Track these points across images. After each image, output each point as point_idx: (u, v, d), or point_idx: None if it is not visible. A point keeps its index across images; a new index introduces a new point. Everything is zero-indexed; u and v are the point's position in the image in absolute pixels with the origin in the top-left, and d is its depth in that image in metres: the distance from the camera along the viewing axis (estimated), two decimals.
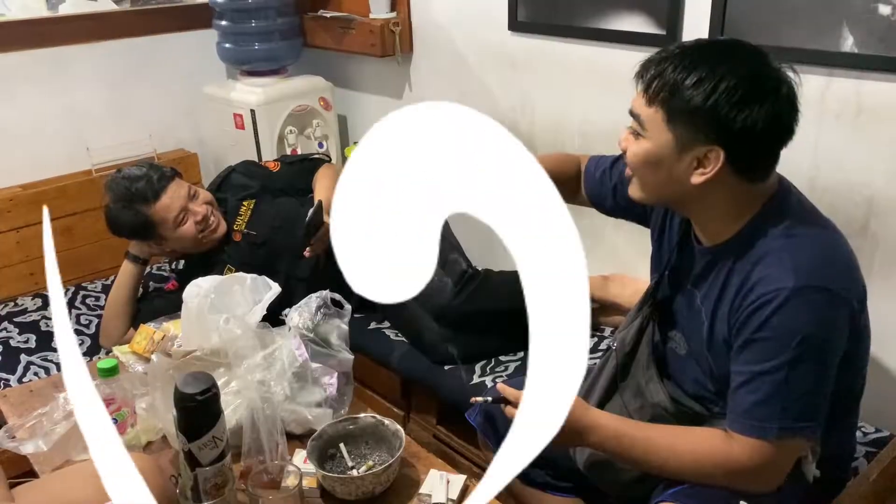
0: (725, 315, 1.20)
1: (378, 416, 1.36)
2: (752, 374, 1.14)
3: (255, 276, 1.60)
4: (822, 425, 1.18)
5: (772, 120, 1.11)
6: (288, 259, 2.14)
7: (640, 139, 1.20)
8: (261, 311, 1.56)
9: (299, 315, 1.50)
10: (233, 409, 1.35)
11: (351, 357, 1.51)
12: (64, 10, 2.67)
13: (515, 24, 2.19)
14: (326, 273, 2.19)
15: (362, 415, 1.38)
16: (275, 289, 1.59)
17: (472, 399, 1.36)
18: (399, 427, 1.34)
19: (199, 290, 1.54)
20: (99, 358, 2.11)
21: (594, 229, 2.21)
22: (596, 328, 2.08)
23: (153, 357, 1.35)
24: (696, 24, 1.80)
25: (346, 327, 1.54)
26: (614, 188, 1.52)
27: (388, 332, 2.20)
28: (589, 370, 1.50)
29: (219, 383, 1.37)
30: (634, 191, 1.27)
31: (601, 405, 1.38)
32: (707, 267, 1.25)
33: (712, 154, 1.14)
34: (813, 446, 1.22)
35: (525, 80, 2.24)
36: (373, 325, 2.23)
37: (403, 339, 2.15)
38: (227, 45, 2.68)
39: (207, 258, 2.15)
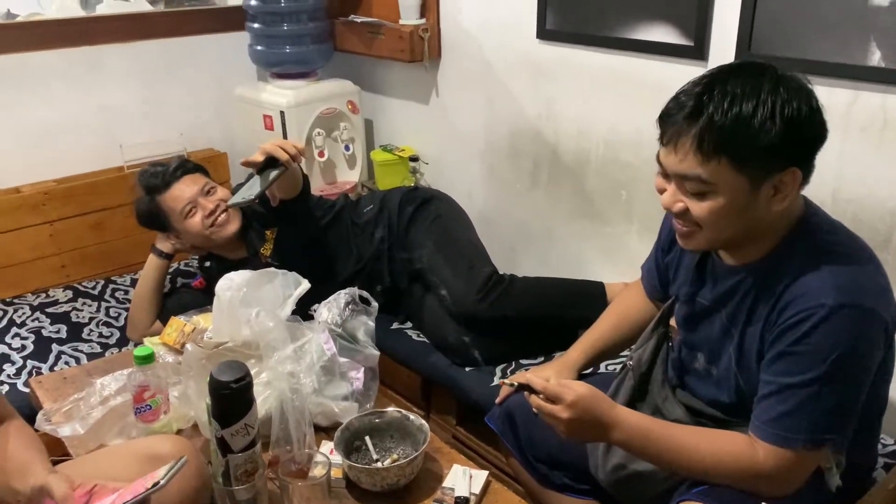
0: (758, 333, 1.20)
1: (403, 411, 1.39)
2: (783, 386, 1.14)
3: (285, 271, 1.64)
4: (848, 438, 1.19)
5: (823, 124, 1.12)
6: (311, 281, 2.17)
7: (707, 197, 1.13)
8: (291, 304, 1.59)
9: (328, 310, 1.54)
10: (263, 399, 1.39)
11: (377, 353, 1.54)
12: (100, 10, 2.75)
13: (544, 33, 2.22)
14: (353, 281, 2.22)
15: (389, 409, 1.41)
16: (304, 284, 1.62)
17: (500, 381, 1.39)
18: (424, 422, 1.37)
19: (231, 283, 1.58)
20: (128, 349, 2.16)
21: (616, 237, 2.24)
22: None
23: (187, 346, 1.39)
24: (723, 36, 1.82)
25: (372, 324, 1.57)
26: (661, 277, 1.52)
27: (409, 332, 2.24)
28: (606, 387, 1.49)
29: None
30: (699, 243, 1.22)
31: None
32: (734, 286, 1.25)
33: (788, 176, 1.11)
34: (838, 457, 1.23)
35: (551, 88, 2.27)
36: (395, 326, 2.27)
37: (425, 339, 2.18)
38: (259, 48, 2.73)
39: (237, 266, 2.18)
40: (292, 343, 1.42)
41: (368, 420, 1.40)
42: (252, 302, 1.61)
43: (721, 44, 1.83)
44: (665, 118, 1.15)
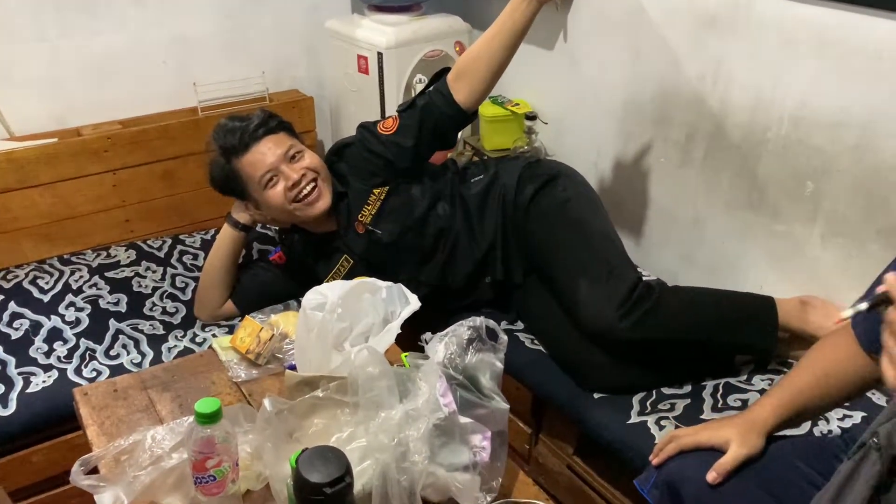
0: None
1: None
2: None
3: (390, 284, 1.28)
4: None
5: None
6: (411, 263, 1.81)
7: None
8: (395, 330, 1.24)
9: (445, 347, 1.16)
10: (360, 469, 1.05)
11: (506, 407, 1.18)
12: None
13: None
14: (455, 279, 1.85)
15: (528, 500, 1.05)
16: (413, 303, 1.26)
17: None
18: None
19: (323, 300, 1.22)
20: (195, 335, 1.86)
21: (792, 239, 1.78)
22: (784, 362, 1.69)
23: (265, 402, 1.04)
24: None
25: (501, 366, 1.20)
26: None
27: (522, 336, 1.87)
28: (818, 455, 1.13)
29: (344, 435, 1.07)
30: None
31: None
32: None
33: None
34: None
35: (723, 45, 1.79)
36: (504, 325, 1.89)
37: (541, 348, 1.81)
38: None
39: (325, 242, 1.84)
40: (402, 402, 1.06)
41: None
42: (346, 316, 1.26)
43: None
44: None
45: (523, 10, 1.71)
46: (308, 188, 1.72)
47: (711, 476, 1.15)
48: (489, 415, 1.15)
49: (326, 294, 1.22)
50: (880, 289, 0.90)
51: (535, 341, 1.84)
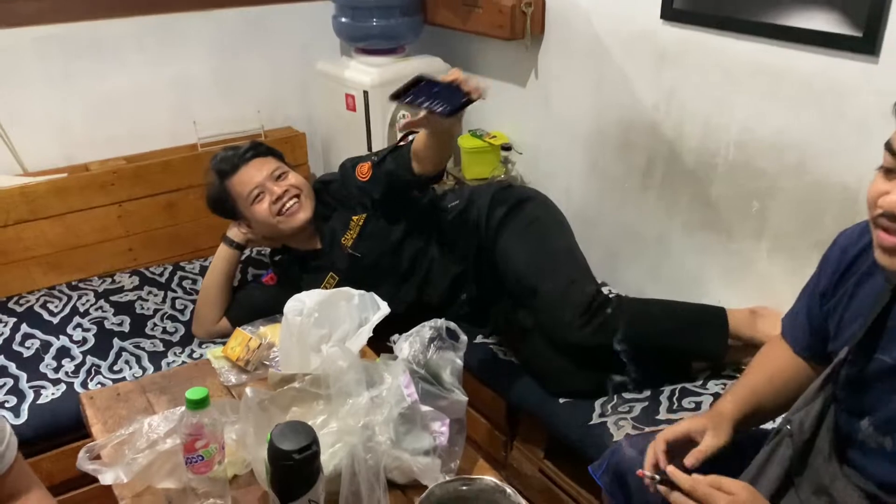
0: None
1: (499, 482, 1.16)
2: None
3: (362, 292, 1.43)
4: None
5: None
6: (391, 282, 1.96)
7: None
8: (367, 333, 1.39)
9: (410, 346, 1.31)
10: (331, 452, 1.18)
11: (465, 399, 1.31)
12: None
13: (670, 13, 1.91)
14: (432, 296, 2.00)
15: (481, 477, 1.18)
16: (384, 309, 1.41)
17: (639, 472, 1.14)
18: (522, 500, 1.14)
19: (301, 306, 1.37)
20: (192, 351, 2.01)
21: (743, 255, 1.93)
22: (738, 369, 1.82)
23: (247, 391, 1.19)
24: None
25: (460, 363, 1.34)
26: (817, 329, 1.24)
27: (495, 348, 2.00)
28: (749, 454, 1.24)
29: (317, 421, 1.21)
30: None
31: (773, 502, 1.13)
32: None
33: None
34: None
35: (675, 77, 1.96)
36: (479, 339, 2.04)
37: (513, 359, 1.94)
38: (344, 20, 2.49)
39: (310, 258, 1.99)
40: (368, 390, 1.20)
41: (454, 488, 1.17)
42: (324, 323, 1.41)
43: None
44: None
45: (434, 126, 1.67)
46: (290, 203, 1.89)
47: (690, 461, 1.18)
48: (449, 405, 1.29)
49: (304, 300, 1.37)
50: (669, 469, 1.08)
51: (507, 353, 1.97)
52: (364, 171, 1.95)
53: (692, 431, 1.20)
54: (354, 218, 1.95)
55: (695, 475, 1.06)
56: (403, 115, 2.49)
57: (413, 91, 1.50)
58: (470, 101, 1.54)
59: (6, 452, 0.96)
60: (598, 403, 1.75)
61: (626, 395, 1.77)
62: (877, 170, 1.00)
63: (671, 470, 1.05)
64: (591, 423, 1.70)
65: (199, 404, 1.13)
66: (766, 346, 1.39)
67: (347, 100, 2.50)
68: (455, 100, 1.54)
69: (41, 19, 2.23)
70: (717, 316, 1.79)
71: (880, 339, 1.07)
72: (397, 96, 1.50)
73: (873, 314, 1.08)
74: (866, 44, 1.54)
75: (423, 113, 1.59)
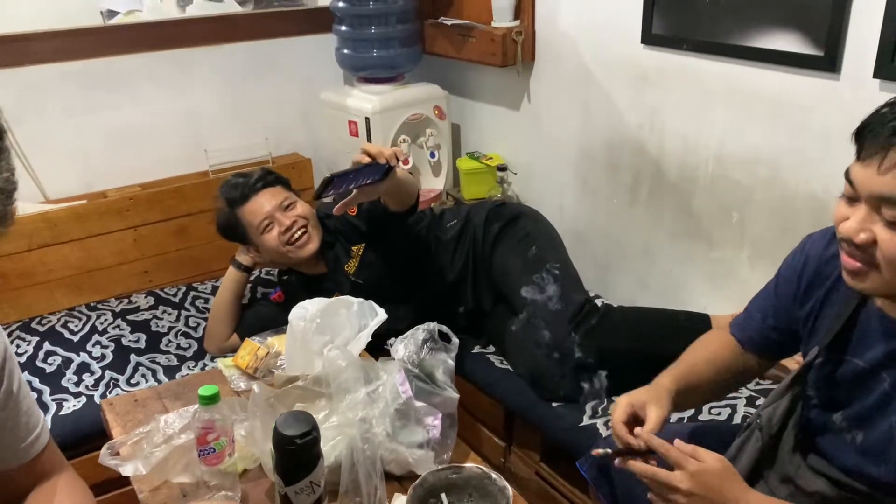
0: None
1: (485, 469, 1.25)
2: None
3: (361, 300, 1.54)
4: None
5: None
6: (392, 303, 2.06)
7: None
8: (366, 338, 1.49)
9: (405, 347, 1.41)
10: (332, 444, 1.28)
11: (456, 396, 1.41)
12: (191, 11, 2.71)
13: (650, 38, 2.03)
14: (431, 312, 2.10)
15: (469, 464, 1.28)
16: (381, 315, 1.52)
17: (594, 451, 1.23)
18: (507, 484, 1.23)
19: (305, 312, 1.48)
20: (205, 364, 2.12)
21: (725, 263, 2.03)
22: None
23: (254, 387, 1.30)
24: (861, 45, 1.60)
25: (452, 363, 1.44)
26: (780, 329, 1.31)
27: (492, 357, 2.10)
28: (719, 440, 1.32)
29: (319, 416, 1.31)
30: (871, 285, 1.02)
31: None
32: None
33: None
34: None
35: (656, 98, 2.08)
36: (476, 350, 2.14)
37: (509, 367, 2.04)
38: (346, 51, 2.64)
39: (317, 282, 2.10)
40: (365, 386, 1.31)
41: (445, 475, 1.27)
42: (326, 330, 1.51)
43: (857, 55, 1.61)
44: (866, 131, 0.96)
45: (371, 195, 1.79)
46: (298, 233, 2.00)
47: (639, 441, 1.20)
48: (441, 402, 1.39)
49: (308, 307, 1.48)
50: (631, 441, 1.15)
51: (504, 361, 2.07)
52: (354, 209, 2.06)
53: (634, 405, 1.24)
54: (354, 248, 2.06)
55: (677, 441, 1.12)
56: (404, 139, 2.62)
57: (332, 187, 1.62)
58: (391, 168, 1.68)
59: (41, 435, 1.06)
60: (588, 406, 1.85)
61: (615, 399, 1.86)
62: (839, 198, 1.03)
63: (647, 437, 1.12)
64: (582, 424, 1.79)
65: (210, 400, 1.23)
66: (709, 332, 1.45)
67: (350, 126, 2.63)
68: (378, 169, 1.68)
69: (61, 56, 2.39)
70: (701, 322, 1.89)
71: (850, 343, 1.13)
72: (318, 196, 1.64)
73: (842, 318, 1.14)
74: (827, 62, 1.65)
75: (354, 192, 1.71)
